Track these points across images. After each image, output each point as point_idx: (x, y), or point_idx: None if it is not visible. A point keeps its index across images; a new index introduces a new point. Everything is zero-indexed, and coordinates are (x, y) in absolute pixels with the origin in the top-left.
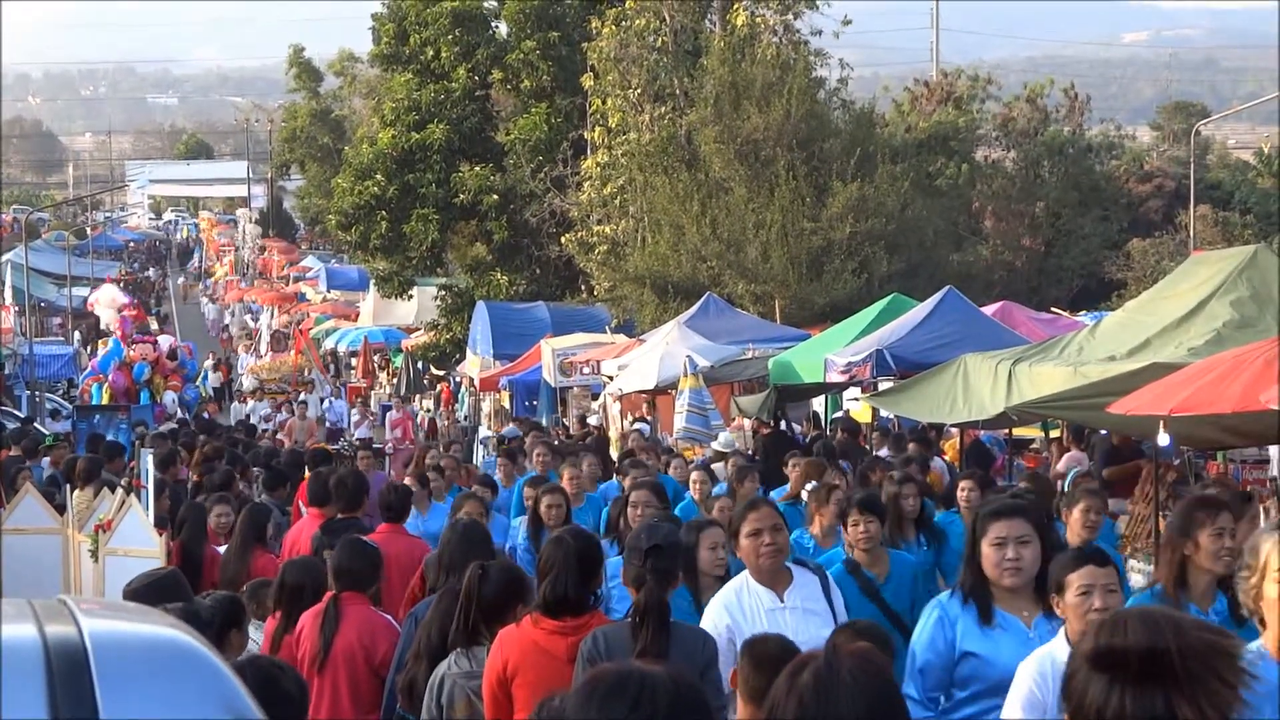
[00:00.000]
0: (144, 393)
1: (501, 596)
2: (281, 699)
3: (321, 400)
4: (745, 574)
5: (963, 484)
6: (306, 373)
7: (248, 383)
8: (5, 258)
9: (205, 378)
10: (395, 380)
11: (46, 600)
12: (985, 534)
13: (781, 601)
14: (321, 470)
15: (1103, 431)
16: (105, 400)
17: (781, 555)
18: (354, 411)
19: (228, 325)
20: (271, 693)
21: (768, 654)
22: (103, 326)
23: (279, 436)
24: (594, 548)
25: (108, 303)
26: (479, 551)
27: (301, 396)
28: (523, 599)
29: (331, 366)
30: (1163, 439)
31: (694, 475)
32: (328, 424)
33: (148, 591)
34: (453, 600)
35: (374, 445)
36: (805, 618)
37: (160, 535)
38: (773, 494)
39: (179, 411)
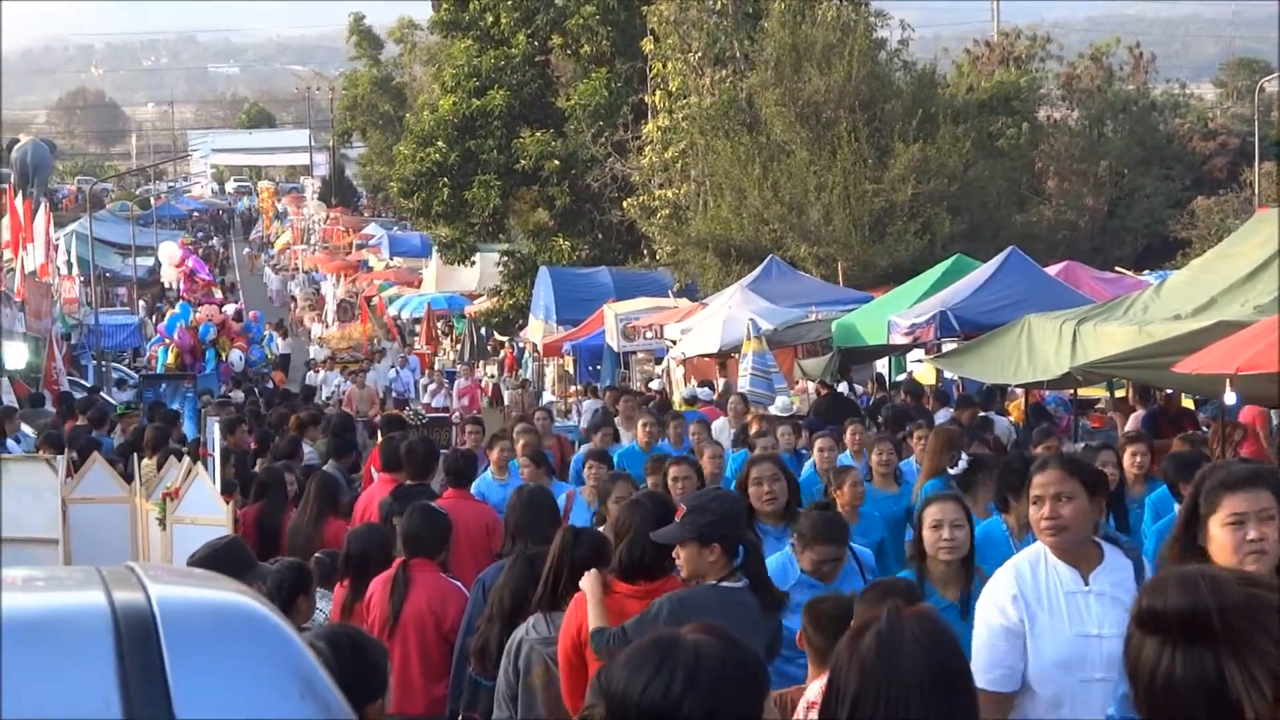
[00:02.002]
0: (210, 353)
1: (592, 561)
2: (370, 669)
3: (390, 368)
4: (1043, 544)
5: (1131, 448)
6: (377, 342)
7: (316, 352)
8: (70, 228)
9: (271, 340)
10: (458, 346)
11: (114, 567)
12: (1216, 510)
13: (1086, 584)
14: (394, 436)
15: (1168, 391)
16: (171, 361)
17: (1064, 533)
18: (427, 380)
19: (294, 295)
20: (361, 662)
21: (827, 613)
22: (167, 285)
23: (342, 406)
24: (670, 512)
25: (169, 260)
26: (545, 518)
27: (371, 366)
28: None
29: (399, 335)
30: (1229, 397)
31: (819, 443)
32: (394, 394)
33: (210, 562)
34: (526, 565)
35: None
36: (1112, 607)
37: (227, 503)
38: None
39: (245, 371)
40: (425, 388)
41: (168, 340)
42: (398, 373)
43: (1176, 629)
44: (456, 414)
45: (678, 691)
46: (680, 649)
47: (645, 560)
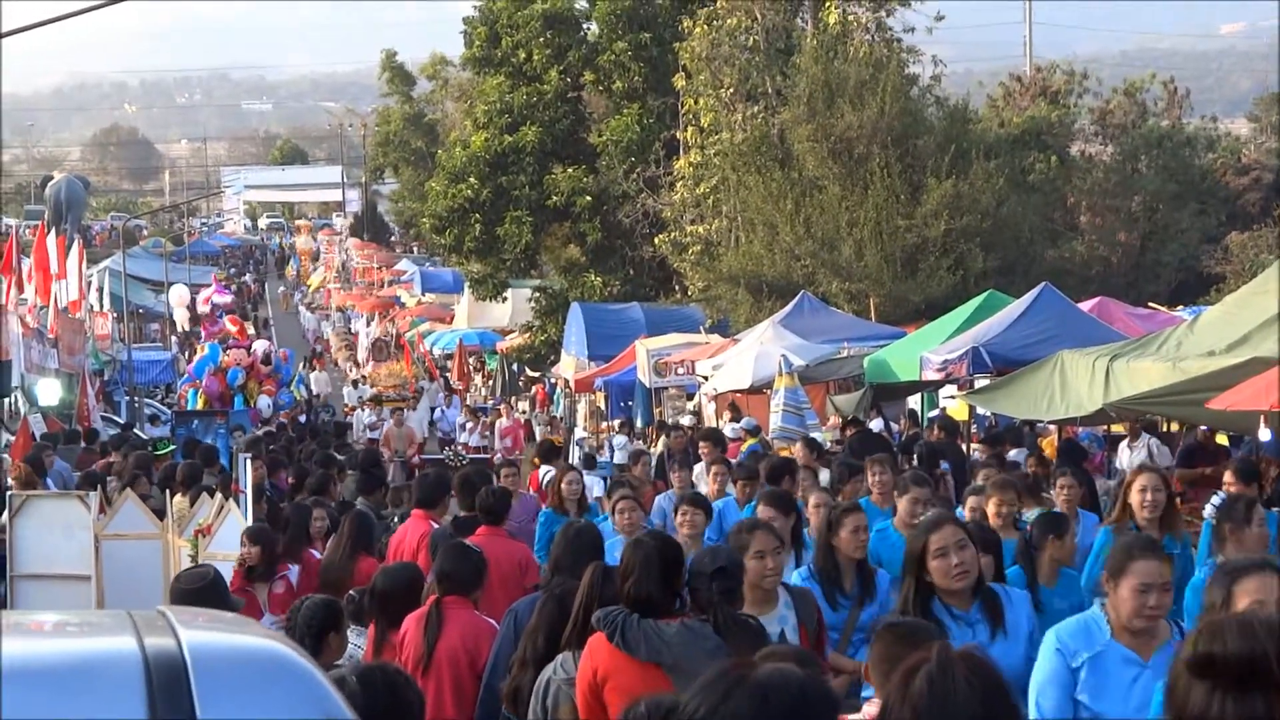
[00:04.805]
0: (238, 398)
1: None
2: (402, 706)
3: (433, 409)
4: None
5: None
6: (419, 381)
7: (349, 393)
8: (103, 265)
9: (300, 381)
10: (490, 383)
11: (145, 611)
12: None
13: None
14: (428, 473)
15: (1204, 428)
16: (200, 406)
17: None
18: (464, 418)
19: (325, 336)
20: (394, 700)
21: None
22: (181, 328)
23: (380, 446)
24: (676, 549)
25: (178, 301)
26: (589, 555)
27: (413, 405)
28: None
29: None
30: (1264, 434)
31: (1061, 480)
32: (440, 433)
33: (191, 598)
34: (556, 605)
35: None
36: None
37: None
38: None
39: (276, 417)
40: (464, 426)
41: (196, 383)
42: (443, 411)
43: (1234, 674)
44: (499, 454)
45: (748, 718)
46: (751, 677)
47: (653, 598)
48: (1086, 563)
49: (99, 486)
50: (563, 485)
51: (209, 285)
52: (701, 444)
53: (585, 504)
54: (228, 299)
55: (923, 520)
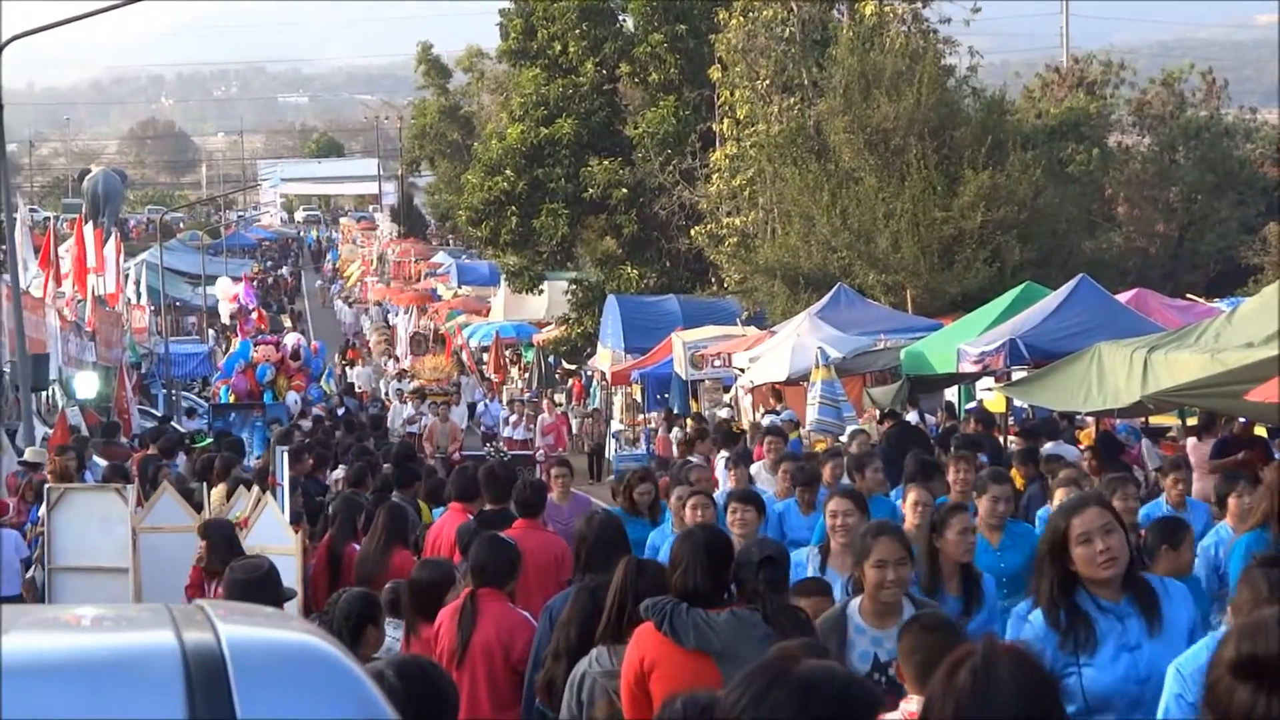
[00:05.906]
0: (267, 394)
1: (656, 592)
2: (438, 698)
3: (472, 404)
4: None
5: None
6: (456, 375)
7: (385, 385)
8: (140, 258)
9: (330, 374)
10: (526, 375)
11: (184, 605)
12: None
13: None
14: (466, 466)
15: (1241, 421)
16: (231, 402)
17: None
18: (508, 413)
19: (361, 330)
20: (430, 692)
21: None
22: (229, 319)
23: (423, 440)
24: (725, 542)
25: (224, 296)
26: (617, 548)
27: (456, 399)
28: None
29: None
30: None
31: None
32: (483, 427)
33: (246, 584)
34: (588, 598)
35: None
36: None
37: (296, 532)
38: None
39: (310, 410)
40: (507, 420)
41: (227, 380)
42: (486, 406)
43: (1277, 673)
44: (540, 451)
45: (789, 713)
46: (793, 673)
47: (700, 590)
48: (1231, 568)
49: (136, 480)
50: (634, 494)
51: (239, 282)
52: (769, 439)
53: (658, 510)
54: (254, 305)
55: (1065, 502)
